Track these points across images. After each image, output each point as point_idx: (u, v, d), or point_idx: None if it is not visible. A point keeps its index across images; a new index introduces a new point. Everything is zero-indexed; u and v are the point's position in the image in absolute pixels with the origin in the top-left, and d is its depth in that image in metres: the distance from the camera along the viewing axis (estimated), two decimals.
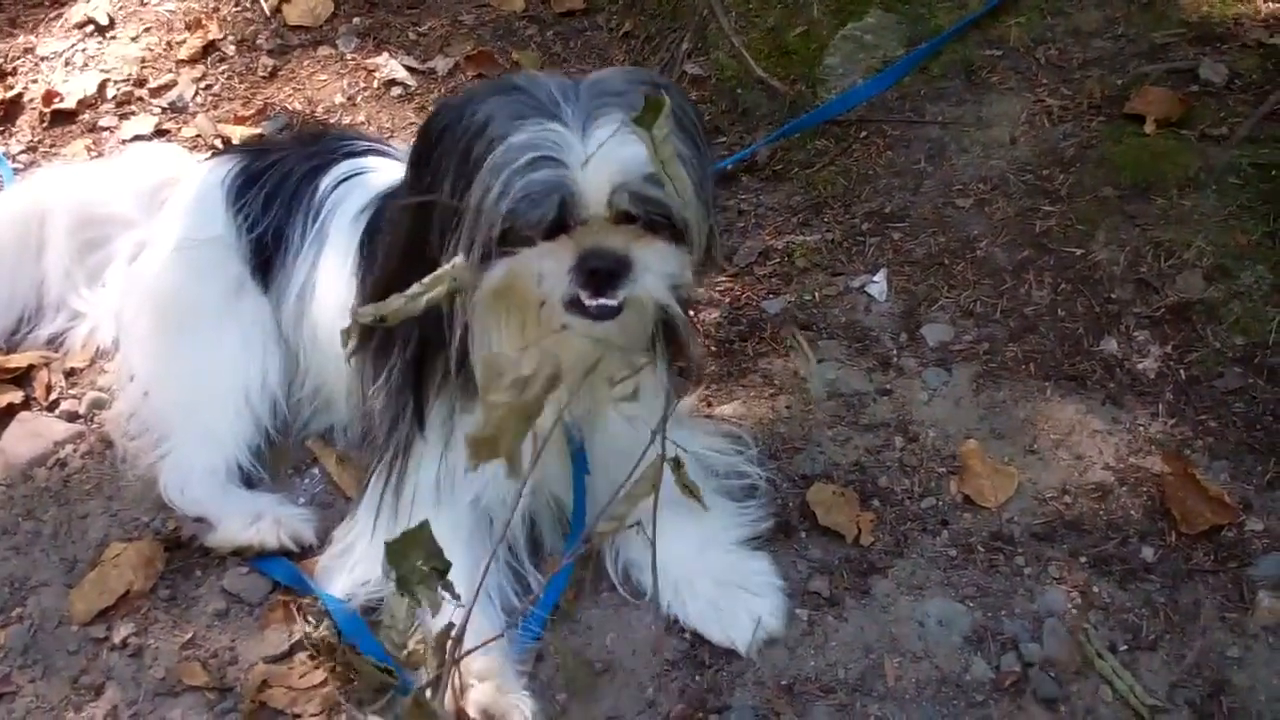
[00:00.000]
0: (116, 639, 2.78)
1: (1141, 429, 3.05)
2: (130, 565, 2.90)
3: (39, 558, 2.96)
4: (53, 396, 3.32)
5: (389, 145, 3.16)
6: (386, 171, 2.95)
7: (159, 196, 3.31)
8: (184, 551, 2.94)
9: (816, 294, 3.44)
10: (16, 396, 3.29)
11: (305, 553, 2.89)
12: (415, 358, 2.57)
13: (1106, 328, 3.25)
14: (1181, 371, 3.12)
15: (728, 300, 3.43)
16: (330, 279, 2.94)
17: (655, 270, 2.38)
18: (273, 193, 3.06)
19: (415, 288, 1.84)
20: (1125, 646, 2.68)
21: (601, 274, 2.33)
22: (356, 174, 3.01)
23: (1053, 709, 2.58)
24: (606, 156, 2.24)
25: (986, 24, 3.98)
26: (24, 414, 3.27)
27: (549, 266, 2.33)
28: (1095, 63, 3.83)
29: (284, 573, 2.84)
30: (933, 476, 3.00)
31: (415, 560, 2.02)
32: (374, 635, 2.60)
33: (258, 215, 3.05)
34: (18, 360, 3.36)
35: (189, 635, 2.78)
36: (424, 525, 2.02)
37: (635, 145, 2.16)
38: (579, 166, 2.25)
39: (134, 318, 3.19)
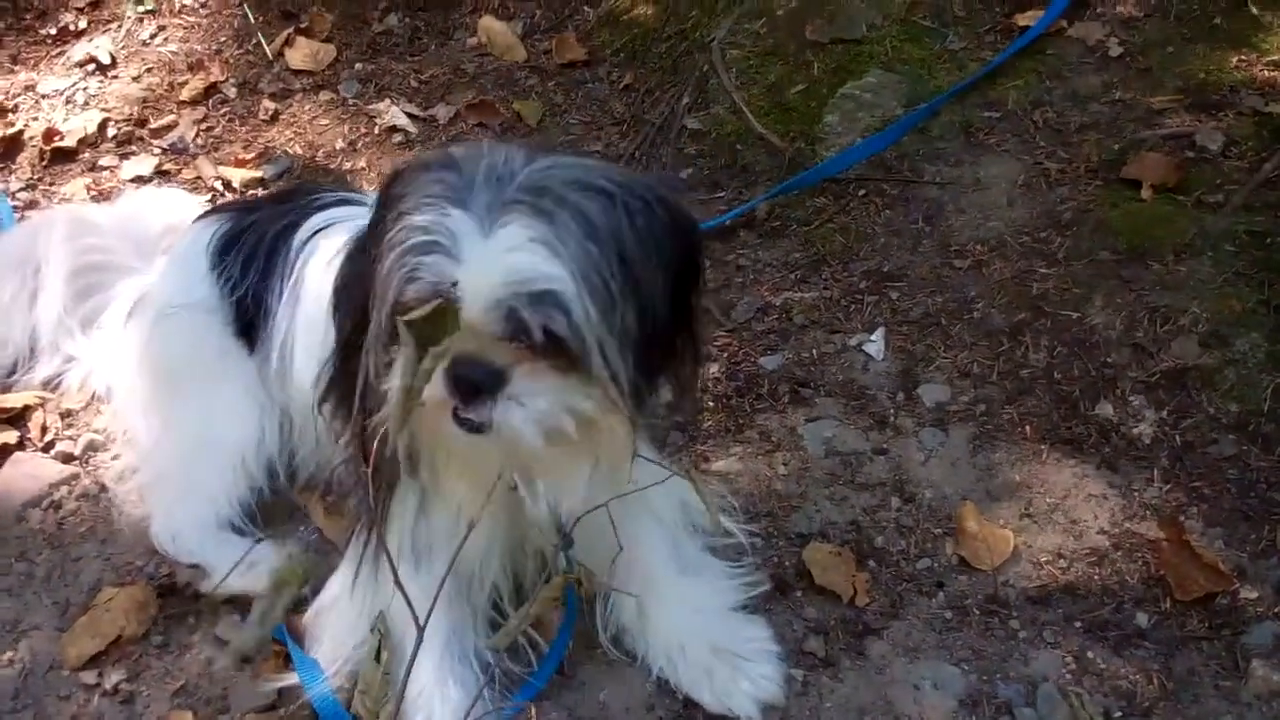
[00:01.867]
0: (108, 685, 2.76)
1: (1137, 494, 3.06)
2: (123, 610, 2.88)
3: (31, 600, 2.95)
4: (48, 437, 3.31)
5: (359, 192, 3.12)
6: (356, 220, 2.88)
7: (161, 243, 3.32)
8: (177, 598, 2.92)
9: (814, 351, 3.45)
10: (11, 437, 3.29)
11: (300, 605, 2.87)
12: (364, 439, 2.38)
13: (1103, 392, 3.26)
14: (1177, 437, 3.13)
15: (725, 355, 3.44)
16: (308, 331, 2.89)
17: (534, 399, 2.16)
18: (250, 255, 3.02)
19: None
20: (1120, 713, 2.67)
21: (466, 384, 2.14)
22: (326, 226, 2.95)
23: None
24: (493, 259, 2.04)
25: (985, 86, 4.02)
26: (19, 455, 3.26)
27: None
28: (1092, 127, 3.87)
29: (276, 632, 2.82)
30: (929, 538, 3.00)
31: None
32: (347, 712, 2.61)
33: (237, 278, 3.02)
34: (13, 400, 3.35)
35: (181, 683, 2.77)
36: None
37: (528, 254, 2.04)
38: (465, 260, 2.04)
39: (126, 380, 3.17)
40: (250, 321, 3.01)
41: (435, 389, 2.12)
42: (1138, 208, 3.62)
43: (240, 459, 2.99)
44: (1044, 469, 3.13)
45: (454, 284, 2.04)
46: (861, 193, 3.85)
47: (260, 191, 4.05)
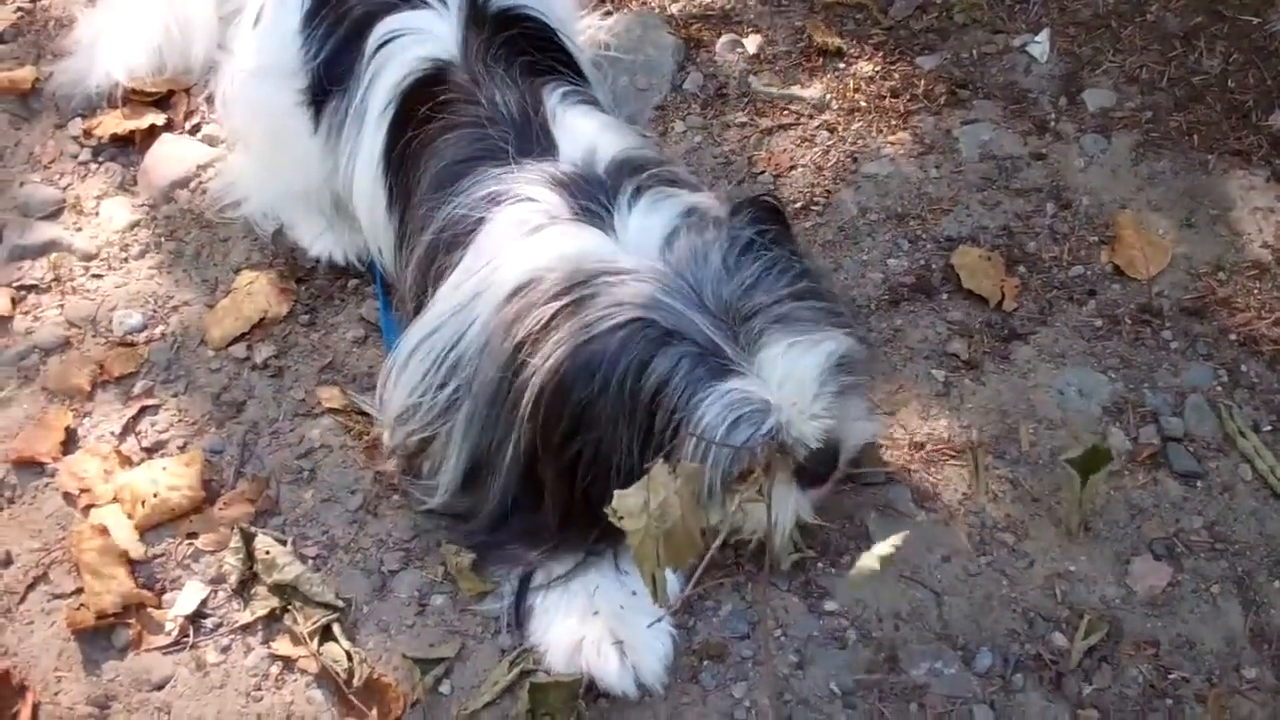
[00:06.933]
0: (258, 359, 2.83)
1: None
2: (264, 293, 2.93)
3: (181, 278, 3.00)
4: (194, 120, 3.32)
5: None
6: (427, 38, 2.71)
7: None
8: (318, 282, 2.97)
9: (974, 51, 3.32)
10: (159, 118, 3.30)
11: None
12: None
13: (1277, 102, 3.11)
14: None
15: (880, 54, 3.32)
16: (363, 173, 2.79)
17: (858, 424, 2.40)
18: (330, 32, 2.83)
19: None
20: (1269, 427, 2.62)
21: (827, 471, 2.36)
22: (399, 35, 2.74)
23: (1189, 484, 2.55)
24: (801, 384, 2.20)
25: None
26: (166, 136, 3.28)
27: (778, 503, 2.29)
28: None
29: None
30: (1083, 245, 2.91)
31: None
32: None
33: (317, 49, 2.83)
34: (158, 84, 3.35)
35: (328, 360, 2.83)
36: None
37: (810, 354, 2.20)
38: (778, 411, 2.19)
39: (228, 114, 3.17)
40: (321, 102, 2.87)
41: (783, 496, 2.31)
42: None
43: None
44: (1209, 180, 3.01)
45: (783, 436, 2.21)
46: None
47: None
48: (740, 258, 2.28)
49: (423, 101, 2.64)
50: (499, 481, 2.38)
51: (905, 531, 1.97)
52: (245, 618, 2.44)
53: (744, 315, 2.22)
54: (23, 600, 2.50)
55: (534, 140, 2.53)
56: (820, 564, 2.45)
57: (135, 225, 3.12)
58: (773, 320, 2.22)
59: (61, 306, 2.97)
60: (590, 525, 2.24)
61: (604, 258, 2.30)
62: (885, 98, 3.23)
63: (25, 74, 3.41)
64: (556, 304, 2.25)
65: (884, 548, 1.90)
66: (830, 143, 3.15)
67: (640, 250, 2.30)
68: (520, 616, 2.40)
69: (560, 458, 2.26)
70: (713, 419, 2.16)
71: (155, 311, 2.95)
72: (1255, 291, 2.82)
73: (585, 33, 3.23)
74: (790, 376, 2.19)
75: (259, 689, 2.37)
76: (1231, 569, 2.44)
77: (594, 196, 2.40)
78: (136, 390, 2.81)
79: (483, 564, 2.46)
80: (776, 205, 2.45)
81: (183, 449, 2.71)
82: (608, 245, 2.33)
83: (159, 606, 2.48)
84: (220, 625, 2.45)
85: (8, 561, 2.55)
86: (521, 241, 2.37)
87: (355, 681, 2.32)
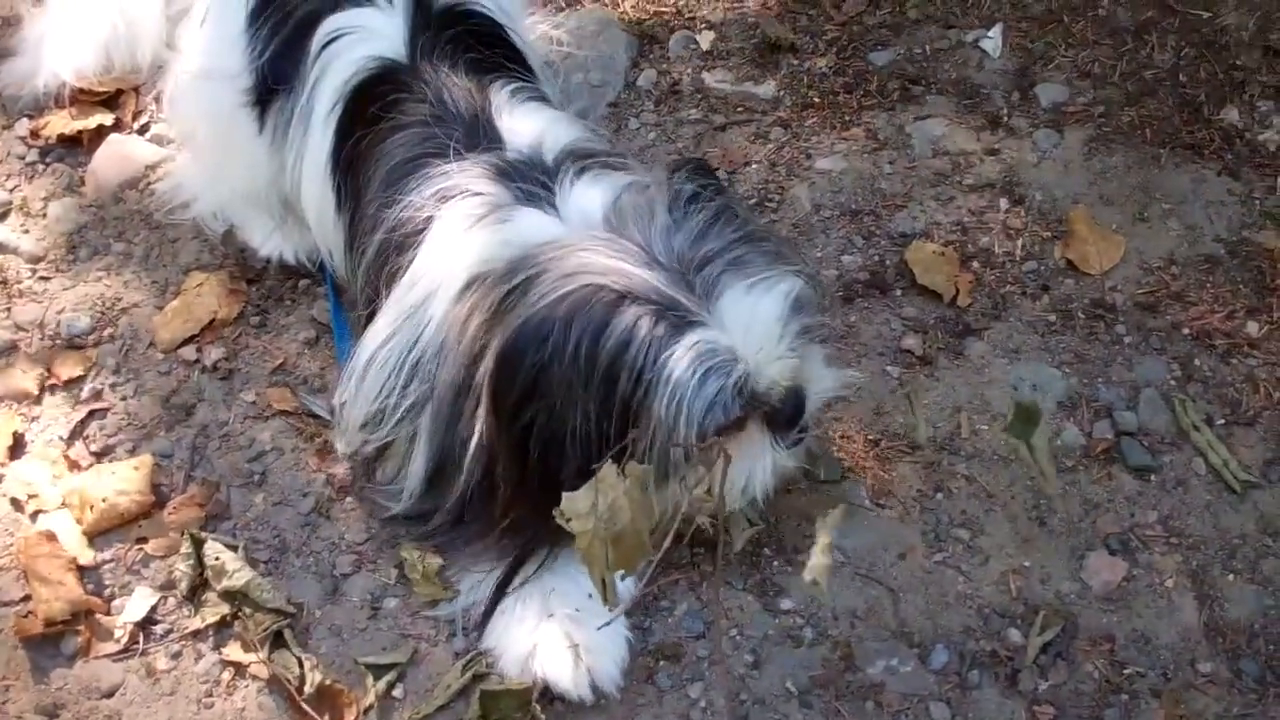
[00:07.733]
0: (207, 361, 2.79)
1: (1257, 202, 2.96)
2: (214, 294, 2.90)
3: (130, 279, 2.97)
4: (142, 120, 3.28)
5: None
6: (372, 36, 2.67)
7: None
8: (269, 283, 2.94)
9: (927, 47, 3.32)
10: (107, 118, 3.26)
11: None
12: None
13: (1229, 96, 3.13)
14: None
15: (834, 50, 3.31)
16: (310, 174, 2.76)
17: (821, 374, 2.38)
18: (275, 31, 2.79)
19: None
20: (1223, 421, 2.63)
21: (793, 418, 2.30)
22: (343, 34, 2.70)
23: (1143, 478, 2.56)
24: (765, 327, 2.18)
25: None
26: (114, 136, 3.23)
27: (754, 458, 2.29)
28: None
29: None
30: (1037, 240, 2.92)
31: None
32: None
33: (262, 48, 2.79)
34: (106, 83, 3.31)
35: (279, 361, 2.80)
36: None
37: (769, 296, 2.17)
38: (745, 358, 2.16)
39: (175, 115, 3.13)
40: (266, 102, 2.83)
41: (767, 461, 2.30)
42: None
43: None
44: (1161, 174, 3.02)
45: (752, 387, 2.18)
46: None
47: None
48: (687, 208, 2.26)
49: (370, 101, 2.61)
50: (461, 478, 2.35)
51: (842, 505, 1.96)
52: (196, 624, 2.41)
53: (697, 264, 2.19)
54: None
55: (481, 137, 2.51)
56: (775, 562, 2.44)
57: (83, 227, 3.07)
58: (727, 265, 2.20)
59: (9, 310, 2.92)
60: (541, 506, 2.14)
61: (547, 235, 2.28)
62: (839, 94, 3.23)
63: None
64: (505, 287, 2.23)
65: (824, 534, 1.89)
66: (784, 139, 3.15)
67: (583, 222, 2.30)
68: (486, 619, 2.37)
69: (512, 428, 2.21)
70: (682, 374, 2.12)
71: (104, 314, 2.91)
72: (1208, 285, 2.84)
73: (538, 29, 3.21)
74: (753, 321, 2.17)
75: (210, 696, 2.34)
76: (1186, 563, 2.44)
77: (536, 179, 2.39)
78: (85, 394, 2.77)
79: (446, 564, 2.44)
80: (709, 166, 2.44)
81: (132, 453, 2.67)
82: (550, 222, 2.32)
83: (108, 613, 2.45)
84: (170, 632, 2.42)
85: None
86: (466, 236, 2.36)
87: (307, 688, 2.29)
